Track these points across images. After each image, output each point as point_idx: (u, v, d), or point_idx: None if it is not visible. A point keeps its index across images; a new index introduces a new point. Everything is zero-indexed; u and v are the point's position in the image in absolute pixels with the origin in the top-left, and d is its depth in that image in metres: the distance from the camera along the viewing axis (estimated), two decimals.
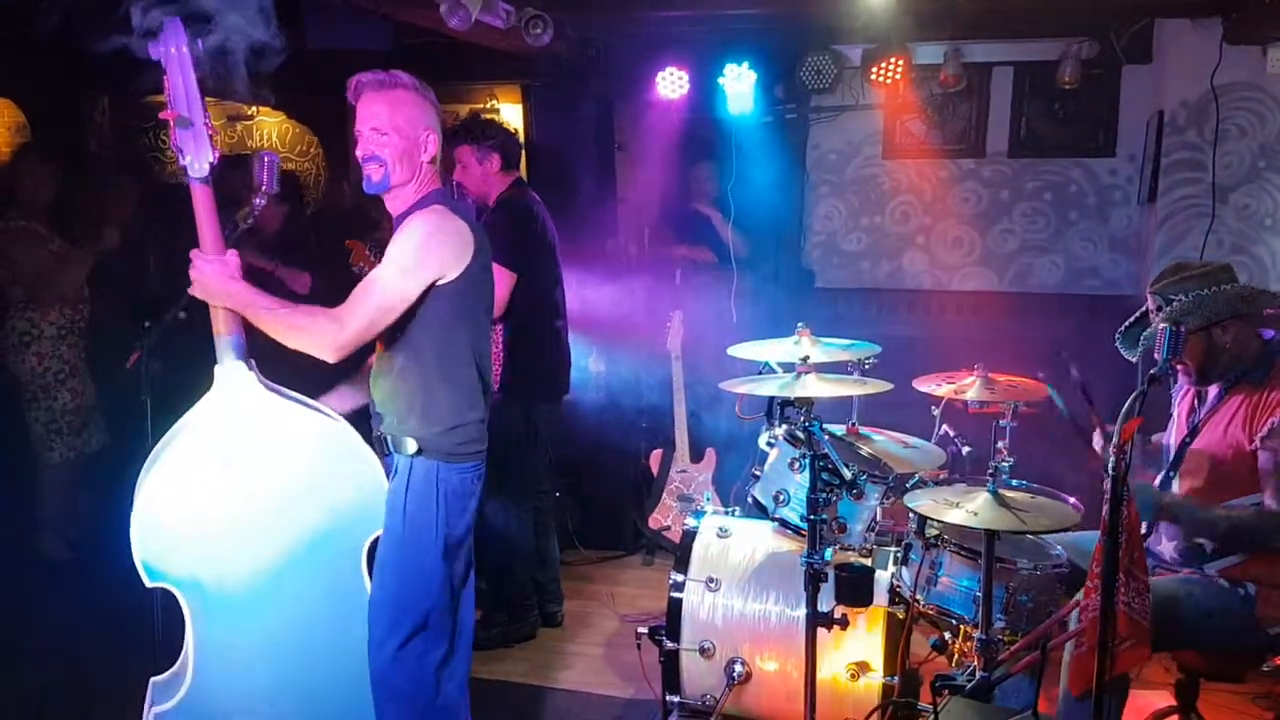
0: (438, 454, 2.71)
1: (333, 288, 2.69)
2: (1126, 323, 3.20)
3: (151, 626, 2.85)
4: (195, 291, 2.65)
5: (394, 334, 2.70)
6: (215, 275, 2.62)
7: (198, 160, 2.65)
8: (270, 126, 7.30)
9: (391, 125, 2.68)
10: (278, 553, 2.76)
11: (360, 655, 2.78)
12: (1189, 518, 2.89)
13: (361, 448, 2.79)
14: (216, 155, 2.67)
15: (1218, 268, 3.00)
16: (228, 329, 2.71)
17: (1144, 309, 3.11)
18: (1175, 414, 3.21)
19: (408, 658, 2.75)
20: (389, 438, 2.75)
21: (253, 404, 2.74)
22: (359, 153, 2.72)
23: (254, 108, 7.32)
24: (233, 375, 2.72)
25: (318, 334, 2.57)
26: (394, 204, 2.77)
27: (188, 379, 2.83)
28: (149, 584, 2.71)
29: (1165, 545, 3.02)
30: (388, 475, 2.79)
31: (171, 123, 2.63)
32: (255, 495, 2.74)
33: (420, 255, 2.62)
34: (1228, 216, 4.91)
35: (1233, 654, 2.94)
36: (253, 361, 2.76)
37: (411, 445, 2.70)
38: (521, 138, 4.67)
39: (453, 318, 2.70)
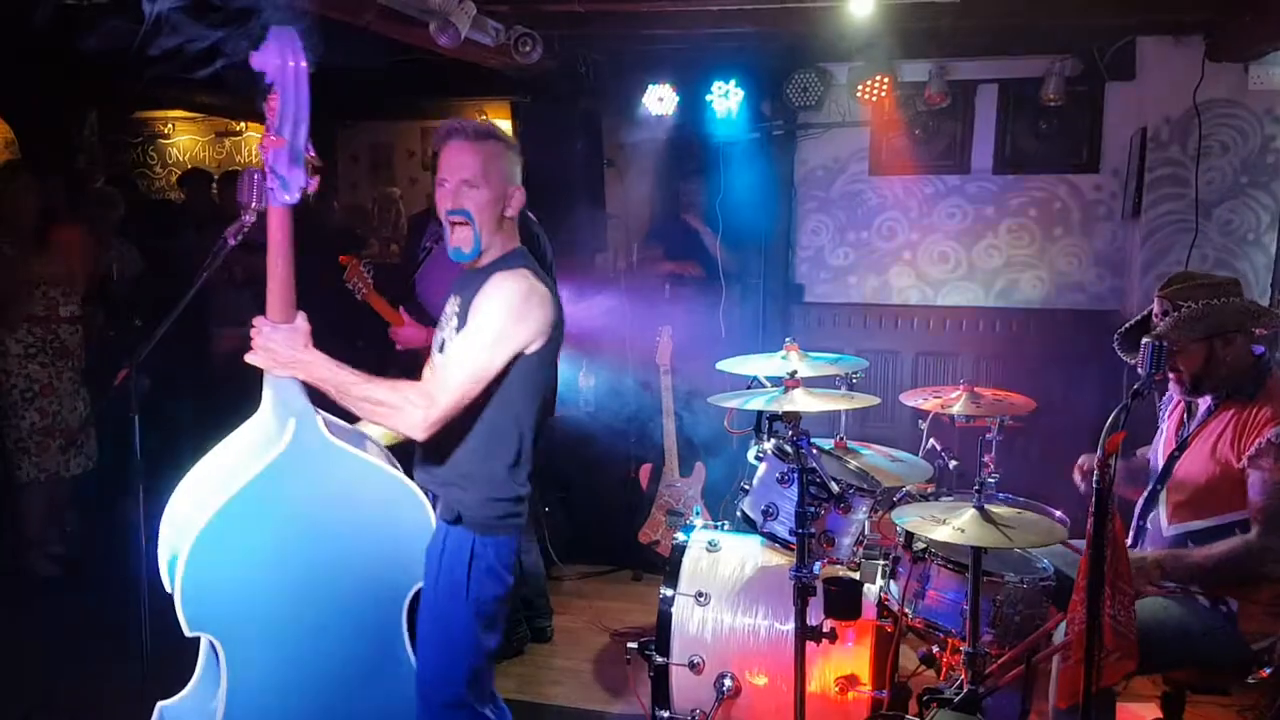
0: (475, 526, 2.58)
1: (319, 304, 2.61)
2: (1127, 325, 3.19)
3: (140, 643, 2.83)
4: (258, 361, 2.46)
5: (473, 403, 2.54)
6: (285, 344, 2.44)
7: (289, 185, 2.41)
8: (259, 142, 7.31)
9: (484, 178, 2.54)
10: (324, 599, 2.65)
11: (398, 703, 2.70)
12: (1175, 569, 2.90)
13: (416, 497, 2.66)
14: (309, 181, 2.44)
15: (1227, 280, 3.01)
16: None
17: (1146, 312, 3.10)
18: (1164, 428, 3.23)
19: (451, 713, 2.66)
20: (430, 493, 2.66)
21: (312, 444, 2.55)
22: (445, 206, 2.56)
23: (243, 123, 7.34)
24: (293, 408, 2.51)
25: (407, 413, 2.41)
26: (479, 259, 2.62)
27: (179, 397, 2.82)
28: (189, 633, 2.52)
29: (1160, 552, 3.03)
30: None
31: (271, 149, 2.40)
32: (312, 544, 2.62)
33: (511, 324, 2.49)
34: (1211, 232, 4.95)
35: (1218, 669, 2.95)
36: (313, 396, 2.56)
37: (450, 512, 2.59)
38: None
39: (516, 390, 2.57)
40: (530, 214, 4.20)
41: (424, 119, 7.58)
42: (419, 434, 2.44)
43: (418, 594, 2.70)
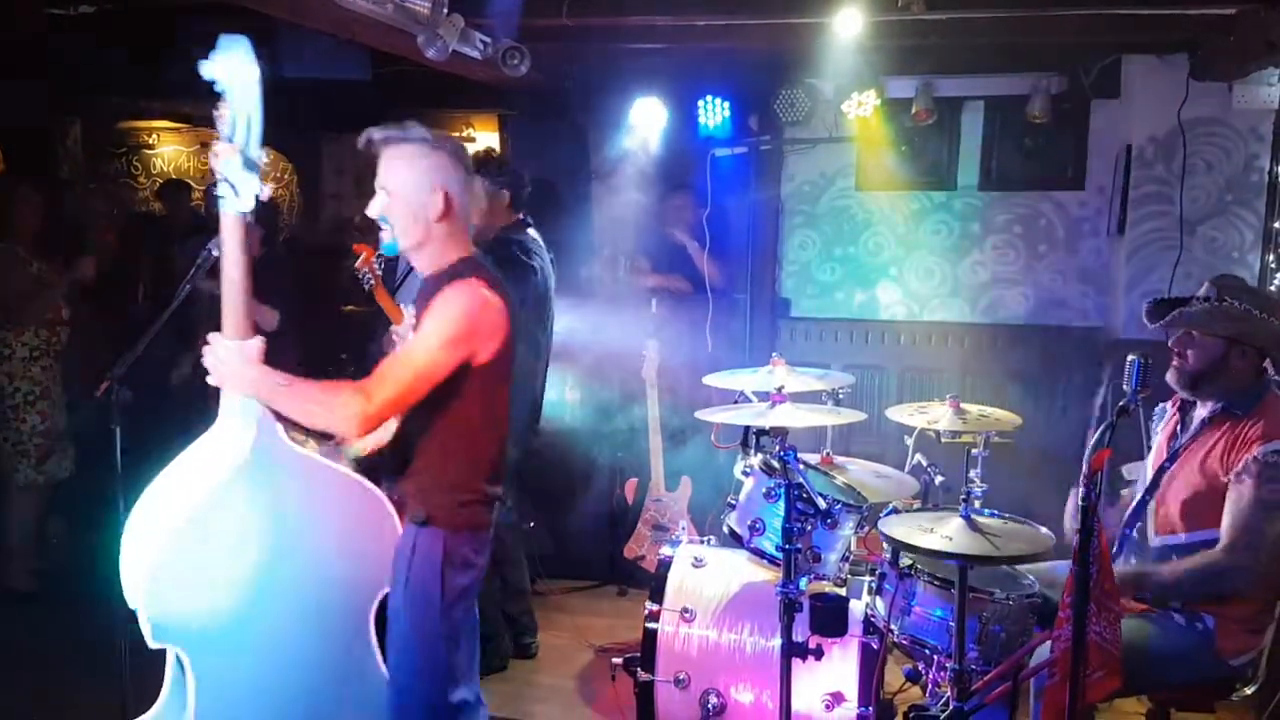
0: (446, 525, 2.60)
1: (308, 314, 2.62)
2: (1163, 297, 3.15)
3: (119, 659, 2.80)
4: (215, 380, 2.50)
5: (426, 404, 2.56)
6: (233, 361, 2.48)
7: (243, 191, 2.45)
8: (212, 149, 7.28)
9: (393, 184, 2.56)
10: (290, 606, 2.65)
11: (367, 710, 2.69)
12: (1143, 587, 2.91)
13: (380, 500, 2.69)
14: (265, 188, 2.48)
15: (1277, 303, 3.01)
16: None
17: (1185, 297, 3.06)
18: (1156, 442, 3.23)
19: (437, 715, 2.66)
20: (397, 497, 2.67)
21: (270, 451, 2.59)
22: (368, 212, 2.61)
23: None
24: (248, 419, 2.56)
25: (341, 408, 2.42)
26: (419, 263, 2.66)
27: (161, 409, 2.80)
28: (153, 644, 2.51)
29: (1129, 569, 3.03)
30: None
31: (220, 154, 2.45)
32: (275, 550, 2.61)
33: (455, 336, 2.50)
34: (1196, 249, 4.98)
35: (1199, 687, 2.95)
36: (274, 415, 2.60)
37: (420, 514, 2.60)
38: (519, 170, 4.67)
39: (476, 393, 2.59)
40: (535, 235, 4.20)
41: None
42: (354, 430, 2.45)
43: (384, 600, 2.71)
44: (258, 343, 2.51)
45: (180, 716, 2.62)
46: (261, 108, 2.42)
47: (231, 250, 2.49)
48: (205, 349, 2.49)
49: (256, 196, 2.45)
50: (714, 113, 5.32)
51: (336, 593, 2.70)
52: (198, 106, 6.75)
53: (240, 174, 2.42)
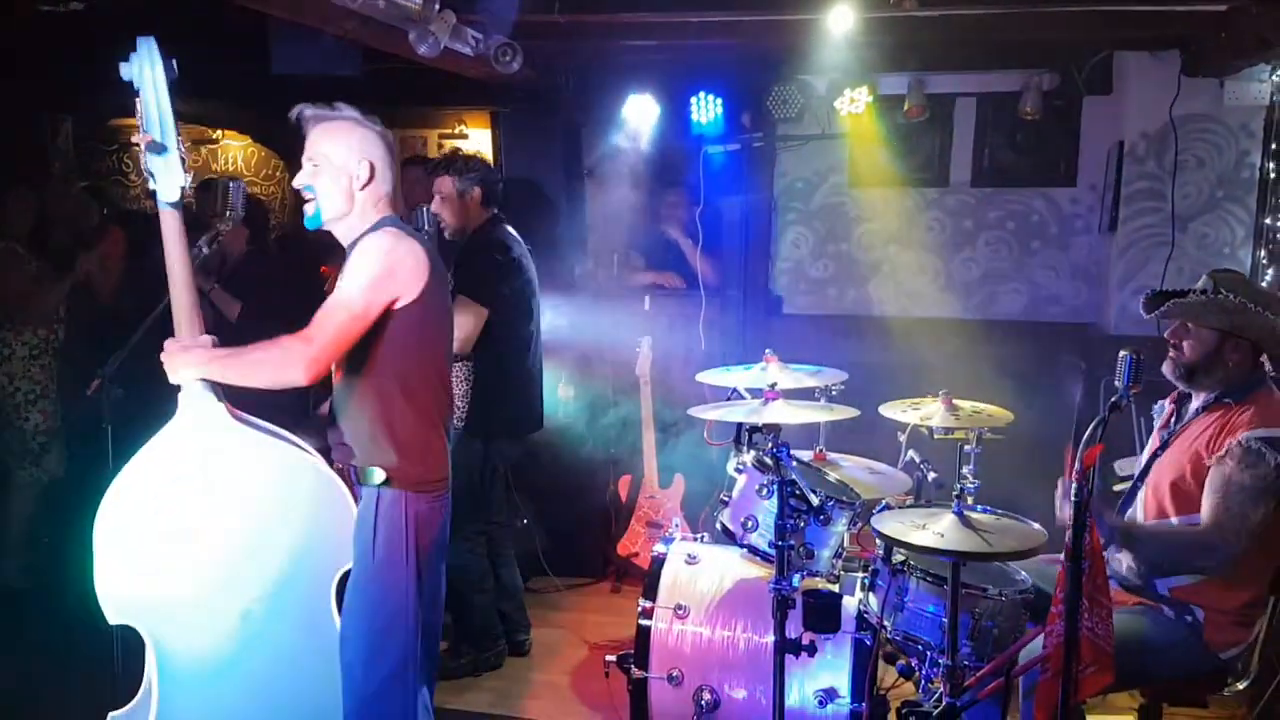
0: (406, 483, 2.68)
1: (304, 310, 2.64)
2: (1163, 288, 3.16)
3: (111, 658, 2.80)
4: (172, 376, 2.64)
5: (354, 362, 2.67)
6: (188, 363, 2.62)
7: (169, 186, 2.59)
8: (235, 150, 7.26)
9: (321, 155, 2.67)
10: (246, 585, 2.71)
11: (331, 688, 2.72)
12: (1138, 534, 2.93)
13: (332, 478, 2.76)
14: (189, 179, 2.63)
15: (1273, 297, 3.03)
16: None
17: (1182, 290, 3.07)
18: (1154, 431, 3.25)
19: (388, 698, 2.69)
20: (354, 469, 2.71)
21: (220, 433, 2.69)
22: (294, 184, 2.72)
23: (219, 131, 7.30)
24: (199, 403, 2.68)
25: (287, 356, 2.53)
26: (342, 235, 2.75)
27: (151, 406, 2.79)
28: (112, 621, 2.63)
29: (1122, 555, 3.04)
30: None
31: (143, 147, 2.58)
32: (223, 528, 2.69)
33: (378, 273, 2.60)
34: (1187, 245, 4.99)
35: (1190, 681, 2.96)
36: (221, 391, 2.71)
37: (379, 475, 2.66)
38: (490, 164, 4.69)
39: (413, 343, 2.68)
40: (512, 230, 4.20)
41: (403, 128, 7.54)
42: (302, 375, 2.53)
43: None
44: (207, 340, 2.65)
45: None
46: (171, 103, 2.58)
47: (168, 245, 2.62)
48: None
49: (183, 188, 2.60)
50: (707, 110, 5.32)
51: (292, 569, 2.75)
52: (188, 103, 6.72)
53: (158, 165, 2.57)
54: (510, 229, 4.20)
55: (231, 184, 2.84)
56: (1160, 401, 3.27)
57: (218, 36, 4.58)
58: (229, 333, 2.80)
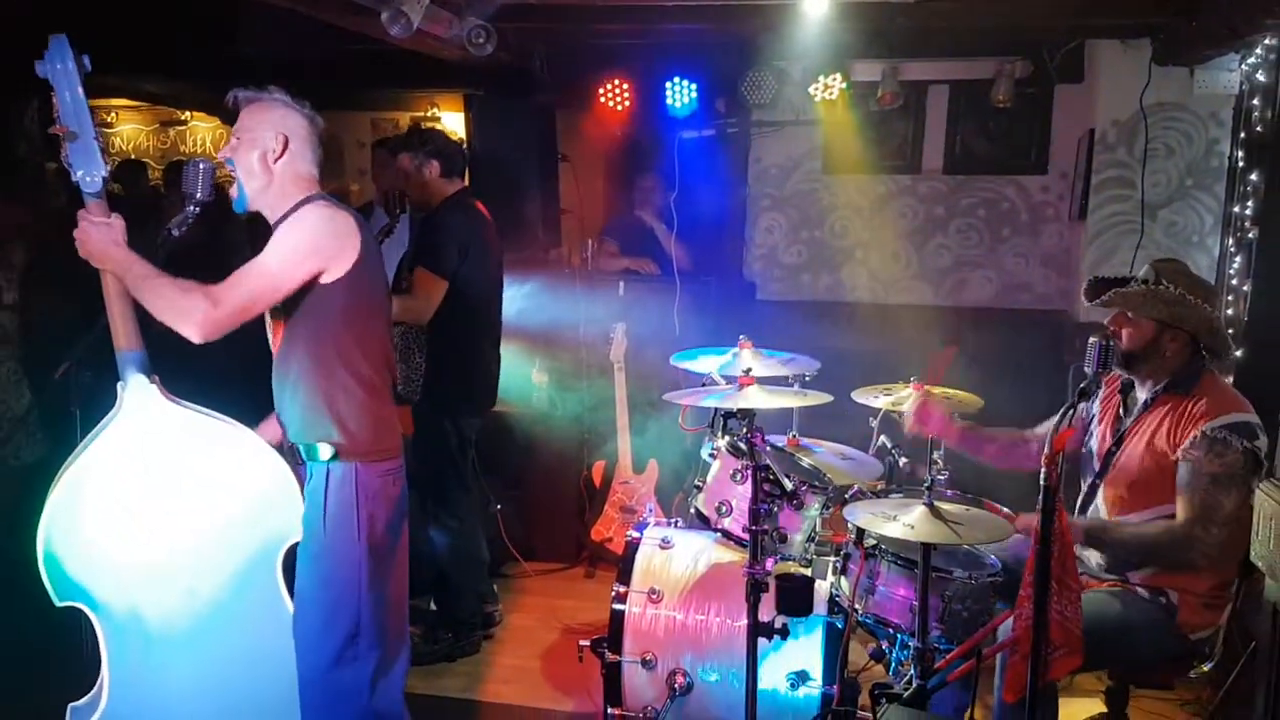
0: (354, 455, 2.69)
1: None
2: (1103, 276, 3.21)
3: (80, 647, 2.79)
4: (80, 251, 2.63)
5: (292, 338, 2.69)
6: (99, 238, 2.60)
7: (89, 174, 2.63)
8: (204, 132, 7.19)
9: (243, 129, 2.73)
10: (190, 565, 2.73)
11: (283, 665, 2.74)
12: (1102, 539, 2.96)
13: (270, 454, 2.77)
14: (108, 169, 2.67)
15: (1212, 288, 3.07)
16: (129, 345, 2.69)
17: (1125, 277, 3.13)
18: (1094, 415, 3.27)
19: (340, 668, 2.72)
20: (300, 446, 2.72)
21: (157, 417, 2.72)
22: (218, 155, 2.81)
23: (187, 113, 7.21)
24: (137, 390, 2.70)
25: (189, 309, 2.53)
26: (267, 213, 2.78)
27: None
28: (58, 603, 2.67)
29: (1090, 551, 3.08)
30: (301, 486, 2.76)
31: (61, 138, 2.62)
32: (164, 510, 2.71)
33: (304, 244, 2.62)
34: (1156, 233, 5.04)
35: (1160, 663, 3.00)
36: (156, 376, 2.73)
37: (326, 450, 2.68)
38: (451, 135, 4.64)
39: (349, 316, 2.69)
40: (479, 204, 4.17)
41: (375, 110, 7.49)
42: (198, 332, 2.53)
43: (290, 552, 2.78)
44: (119, 223, 2.64)
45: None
46: (84, 96, 2.62)
47: (95, 234, 2.62)
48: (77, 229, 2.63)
49: (104, 178, 2.65)
50: (681, 95, 5.30)
51: (236, 545, 2.76)
52: (158, 84, 6.65)
53: (78, 157, 2.62)
54: (478, 204, 4.17)
55: (200, 164, 2.82)
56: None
57: (186, 17, 4.53)
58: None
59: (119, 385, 2.71)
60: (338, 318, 2.68)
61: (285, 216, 2.71)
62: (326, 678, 2.73)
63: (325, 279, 2.64)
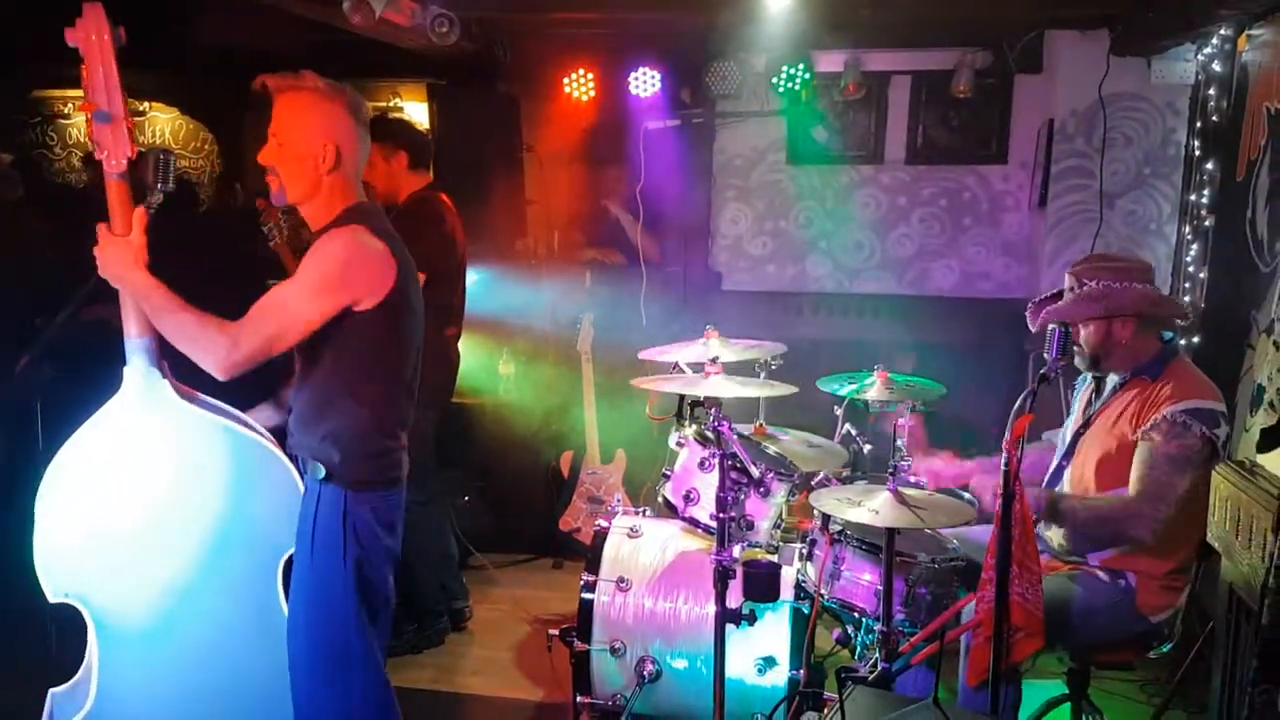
0: (344, 482, 2.57)
1: (225, 285, 2.58)
2: (1040, 297, 3.28)
3: (45, 635, 2.76)
4: (100, 270, 2.51)
5: (311, 354, 2.57)
6: (117, 258, 2.48)
7: (115, 156, 2.51)
8: (164, 123, 7.08)
9: (284, 134, 2.54)
10: (189, 565, 2.67)
11: (278, 677, 2.69)
12: (1064, 509, 3.02)
13: (280, 460, 2.70)
14: (134, 151, 2.53)
15: (1137, 265, 3.11)
16: (139, 331, 2.59)
17: (1059, 289, 3.19)
18: (1075, 407, 3.34)
19: (329, 687, 2.65)
20: (299, 458, 2.66)
21: (165, 410, 2.64)
22: (259, 160, 2.60)
23: (146, 103, 7.11)
24: (143, 380, 2.61)
25: (209, 348, 2.42)
26: (309, 217, 2.63)
27: (83, 383, 2.73)
28: (52, 599, 2.58)
29: (1054, 532, 3.13)
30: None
31: (89, 116, 2.49)
32: (166, 505, 2.65)
33: (330, 280, 2.46)
34: (1115, 221, 5.11)
35: (1120, 644, 3.06)
36: (166, 366, 2.64)
37: (320, 470, 2.57)
38: (419, 127, 4.61)
39: (373, 344, 2.55)
40: (445, 198, 4.16)
41: None
42: (219, 374, 2.45)
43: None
44: (139, 239, 2.52)
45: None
46: (117, 72, 2.50)
47: (115, 218, 2.53)
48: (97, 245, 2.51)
49: (129, 160, 2.52)
50: (646, 85, 5.31)
51: (237, 550, 2.72)
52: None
53: (105, 135, 2.49)
54: (444, 197, 4.15)
55: (164, 156, 2.77)
56: (1083, 374, 3.36)
57: (143, 5, 4.46)
58: None
59: (125, 371, 2.62)
60: (363, 346, 2.54)
61: (325, 229, 2.55)
62: (316, 687, 2.66)
63: (356, 309, 2.50)
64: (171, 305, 2.46)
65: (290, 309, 2.47)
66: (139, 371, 2.61)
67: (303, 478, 2.67)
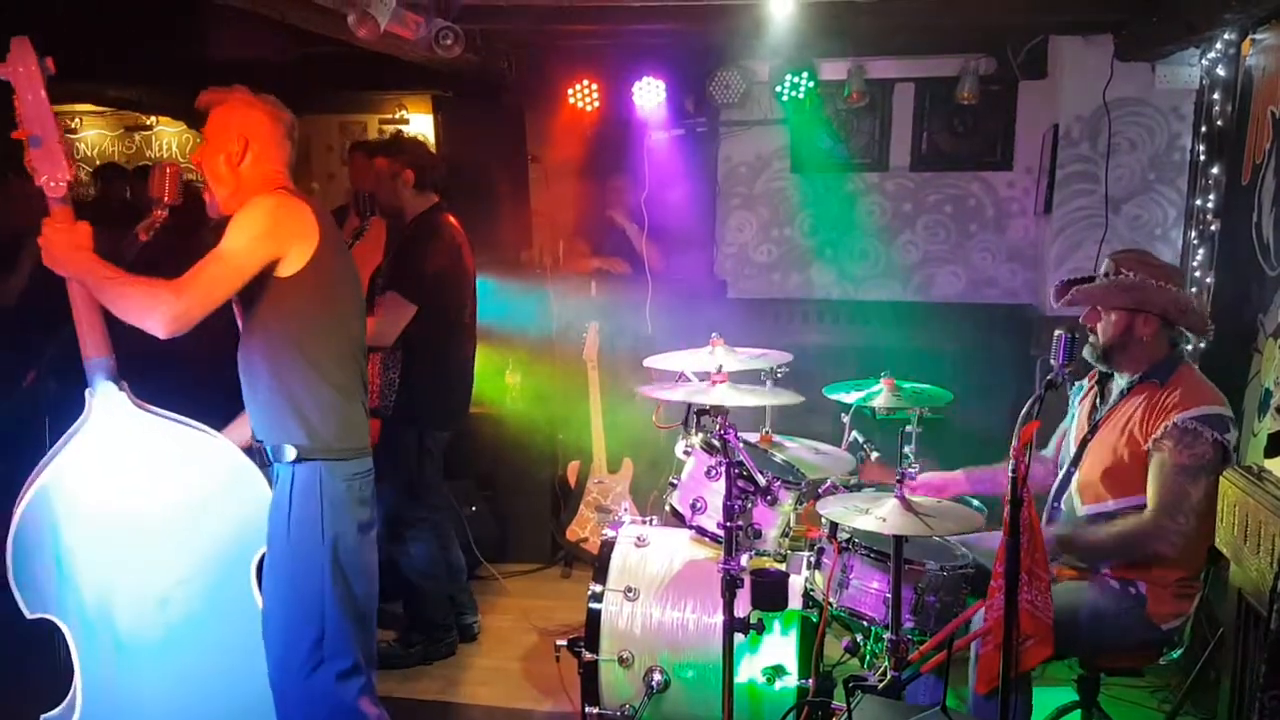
0: (319, 454, 2.68)
1: None
2: (1070, 278, 3.26)
3: (54, 659, 2.77)
4: (45, 259, 2.60)
5: (251, 335, 2.68)
6: (61, 244, 2.58)
7: (53, 179, 2.60)
8: (170, 136, 7.12)
9: (207, 134, 2.73)
10: (163, 573, 2.72)
11: (257, 673, 2.73)
12: (1074, 546, 3.00)
13: (243, 461, 2.76)
14: (72, 172, 2.63)
15: (1175, 271, 3.12)
16: (97, 351, 2.68)
17: (1090, 274, 3.18)
18: (1074, 413, 3.32)
19: (309, 672, 2.71)
20: (267, 447, 2.72)
21: (127, 425, 2.71)
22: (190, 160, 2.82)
23: (153, 117, 7.15)
24: (105, 398, 2.69)
25: (153, 304, 2.51)
26: (234, 211, 2.74)
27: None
28: (29, 615, 2.65)
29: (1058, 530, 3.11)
30: (270, 487, 2.76)
31: (25, 142, 2.60)
32: (137, 517, 2.70)
33: (258, 227, 2.60)
34: (1120, 226, 5.10)
35: (1131, 651, 3.05)
36: (124, 383, 2.71)
37: (290, 452, 2.67)
38: (432, 149, 4.63)
39: (311, 309, 2.68)
40: (452, 219, 4.17)
41: (343, 113, 7.45)
42: (164, 327, 2.51)
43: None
44: (85, 226, 2.62)
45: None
46: (47, 100, 2.59)
47: (58, 239, 2.60)
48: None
49: (68, 182, 2.61)
50: (650, 95, 5.32)
51: (208, 553, 2.76)
52: (122, 89, 6.58)
53: (42, 161, 2.59)
54: (451, 219, 4.17)
55: (167, 168, 2.80)
56: (1080, 381, 3.35)
57: (151, 21, 4.48)
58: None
59: (88, 393, 2.69)
60: (300, 312, 2.66)
61: None
62: (295, 682, 2.72)
63: (284, 271, 2.63)
64: (114, 274, 2.57)
65: (225, 258, 2.58)
66: (102, 391, 2.69)
67: (270, 468, 2.74)
